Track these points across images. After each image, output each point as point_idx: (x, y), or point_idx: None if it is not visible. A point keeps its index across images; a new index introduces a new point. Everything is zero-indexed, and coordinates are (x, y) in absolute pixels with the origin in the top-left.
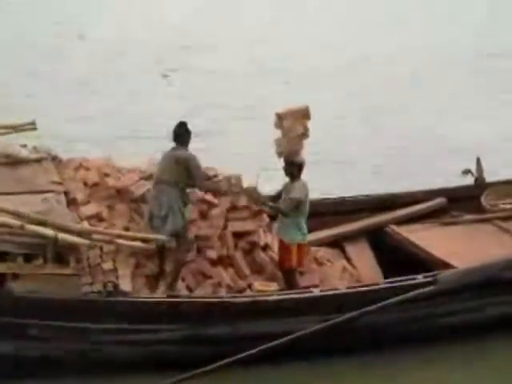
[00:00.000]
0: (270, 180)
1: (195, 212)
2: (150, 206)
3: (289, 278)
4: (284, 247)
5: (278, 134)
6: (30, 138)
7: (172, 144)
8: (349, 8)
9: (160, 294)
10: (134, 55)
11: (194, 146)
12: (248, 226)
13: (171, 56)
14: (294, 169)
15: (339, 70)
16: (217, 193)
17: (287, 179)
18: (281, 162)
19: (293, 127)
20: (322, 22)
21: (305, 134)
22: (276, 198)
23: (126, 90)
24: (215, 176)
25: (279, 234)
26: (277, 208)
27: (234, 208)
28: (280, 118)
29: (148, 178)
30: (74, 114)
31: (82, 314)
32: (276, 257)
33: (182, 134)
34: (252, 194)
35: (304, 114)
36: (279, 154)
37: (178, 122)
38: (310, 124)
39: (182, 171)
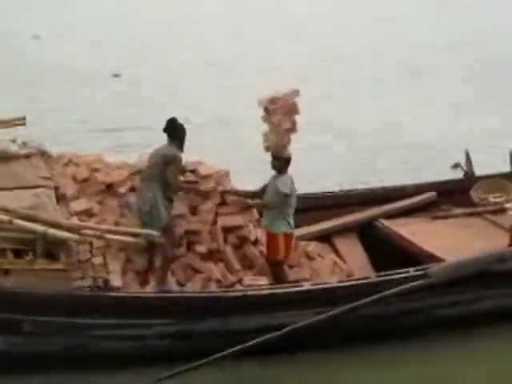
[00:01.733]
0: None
1: (185, 207)
2: (137, 201)
3: (276, 271)
4: (271, 239)
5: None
6: None
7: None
8: None
9: (150, 288)
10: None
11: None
12: (238, 220)
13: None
14: (281, 163)
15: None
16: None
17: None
18: (268, 156)
19: (281, 122)
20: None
21: (293, 129)
22: (260, 193)
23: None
24: (193, 171)
25: (266, 225)
26: (262, 204)
27: (223, 203)
28: (268, 112)
29: (137, 173)
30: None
31: (72, 309)
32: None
33: (172, 129)
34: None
35: (293, 109)
36: (266, 148)
37: (169, 118)
38: (298, 118)
39: (166, 169)
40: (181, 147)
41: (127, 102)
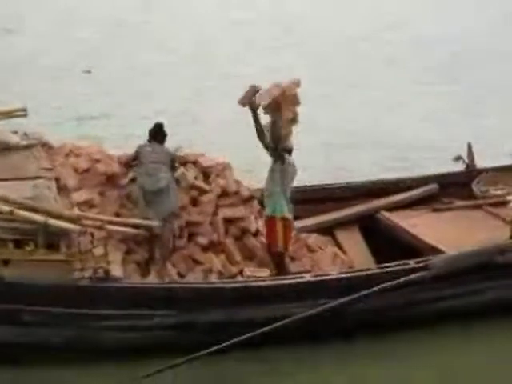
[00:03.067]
0: None
1: (186, 198)
2: (142, 182)
3: (278, 262)
4: (269, 225)
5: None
6: None
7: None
8: None
9: (151, 279)
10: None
11: None
12: (239, 212)
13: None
14: (283, 154)
15: None
16: None
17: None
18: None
19: (284, 112)
20: None
21: (294, 120)
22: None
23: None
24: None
25: (266, 211)
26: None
27: (224, 194)
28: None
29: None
30: None
31: (72, 299)
32: None
33: (160, 134)
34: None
35: (294, 100)
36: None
37: (155, 123)
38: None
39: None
40: None
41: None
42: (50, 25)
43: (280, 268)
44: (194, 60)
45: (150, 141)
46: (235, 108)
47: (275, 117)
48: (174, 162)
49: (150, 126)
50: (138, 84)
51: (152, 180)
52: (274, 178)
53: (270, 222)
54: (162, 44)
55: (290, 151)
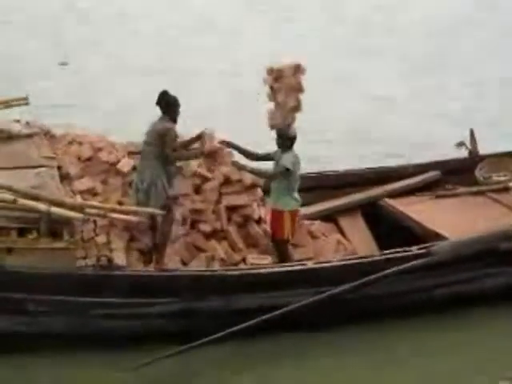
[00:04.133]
0: None
1: (189, 186)
2: (135, 180)
3: (281, 249)
4: (277, 217)
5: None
6: None
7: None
8: None
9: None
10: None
11: None
12: (242, 199)
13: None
14: (286, 141)
15: None
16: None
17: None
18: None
19: (286, 100)
20: None
21: (297, 108)
22: (261, 158)
23: None
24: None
25: (273, 203)
26: (260, 172)
27: (227, 182)
28: (273, 90)
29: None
30: None
31: (76, 287)
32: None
33: (164, 103)
34: (235, 164)
35: (298, 87)
36: (272, 127)
37: (160, 91)
38: (303, 97)
39: (163, 143)
40: (174, 119)
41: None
42: None
43: (283, 255)
44: None
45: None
46: None
47: (277, 87)
48: (164, 135)
49: None
50: None
51: (138, 178)
52: (279, 165)
53: (278, 214)
54: None
55: (294, 139)
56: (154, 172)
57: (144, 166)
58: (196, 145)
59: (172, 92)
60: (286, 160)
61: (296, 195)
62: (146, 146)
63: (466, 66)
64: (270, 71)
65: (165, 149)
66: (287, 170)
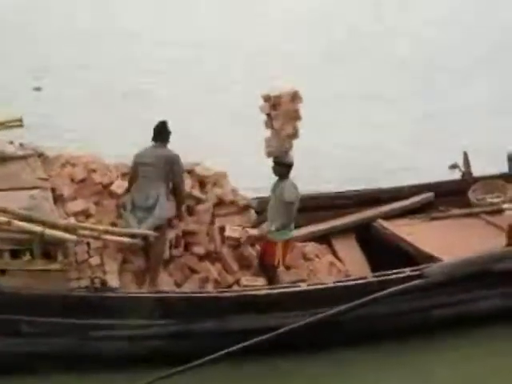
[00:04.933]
0: None
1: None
2: (133, 197)
3: (270, 274)
4: (270, 245)
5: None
6: None
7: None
8: None
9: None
10: None
11: None
12: (235, 221)
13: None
14: (283, 169)
15: None
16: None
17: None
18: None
19: (283, 127)
20: None
21: (294, 135)
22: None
23: None
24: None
25: (268, 230)
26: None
27: (221, 203)
28: (270, 117)
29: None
30: None
31: (69, 309)
32: None
33: (162, 132)
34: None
35: (295, 115)
36: (268, 154)
37: (159, 121)
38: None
39: (169, 170)
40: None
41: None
42: None
43: (272, 279)
44: None
45: (154, 140)
46: None
47: (275, 114)
48: (172, 164)
49: None
50: None
51: (141, 196)
52: (283, 200)
53: (271, 243)
54: None
55: (290, 166)
56: (159, 192)
57: (148, 186)
58: None
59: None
60: (289, 193)
61: (292, 225)
62: (152, 168)
63: None
64: (268, 98)
65: (175, 178)
66: (291, 203)
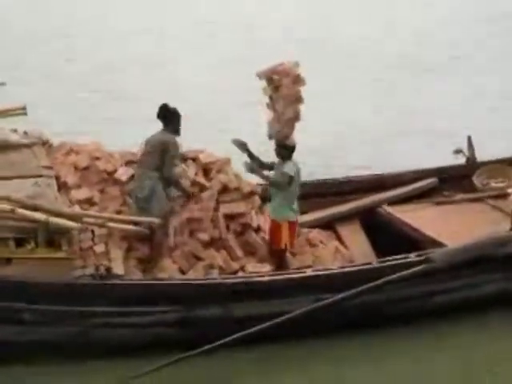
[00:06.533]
0: None
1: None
2: (134, 188)
3: (278, 258)
4: (275, 228)
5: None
6: None
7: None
8: None
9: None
10: None
11: None
12: (240, 207)
13: None
14: (285, 151)
15: None
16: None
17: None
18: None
19: (285, 110)
20: None
21: (296, 118)
22: (265, 165)
23: None
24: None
25: (271, 214)
26: (270, 179)
27: (225, 190)
28: (272, 100)
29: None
30: None
31: (74, 297)
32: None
33: (164, 115)
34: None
35: (297, 98)
36: (270, 136)
37: (161, 104)
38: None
39: (162, 156)
40: (176, 131)
41: None
42: None
43: (280, 264)
44: None
45: (163, 125)
46: None
47: (276, 97)
48: (165, 151)
49: None
50: None
51: (138, 186)
52: (283, 174)
53: (276, 225)
54: None
55: (293, 148)
56: (155, 182)
57: (143, 175)
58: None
59: None
60: (289, 168)
61: (295, 206)
62: (146, 155)
63: None
64: (270, 80)
65: (165, 167)
66: (290, 177)
